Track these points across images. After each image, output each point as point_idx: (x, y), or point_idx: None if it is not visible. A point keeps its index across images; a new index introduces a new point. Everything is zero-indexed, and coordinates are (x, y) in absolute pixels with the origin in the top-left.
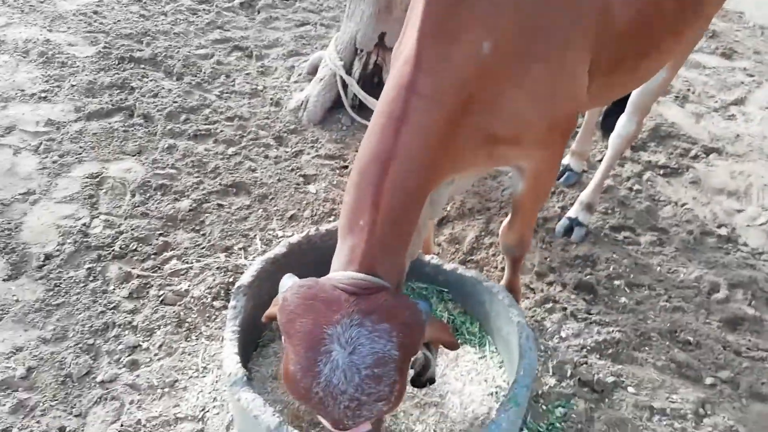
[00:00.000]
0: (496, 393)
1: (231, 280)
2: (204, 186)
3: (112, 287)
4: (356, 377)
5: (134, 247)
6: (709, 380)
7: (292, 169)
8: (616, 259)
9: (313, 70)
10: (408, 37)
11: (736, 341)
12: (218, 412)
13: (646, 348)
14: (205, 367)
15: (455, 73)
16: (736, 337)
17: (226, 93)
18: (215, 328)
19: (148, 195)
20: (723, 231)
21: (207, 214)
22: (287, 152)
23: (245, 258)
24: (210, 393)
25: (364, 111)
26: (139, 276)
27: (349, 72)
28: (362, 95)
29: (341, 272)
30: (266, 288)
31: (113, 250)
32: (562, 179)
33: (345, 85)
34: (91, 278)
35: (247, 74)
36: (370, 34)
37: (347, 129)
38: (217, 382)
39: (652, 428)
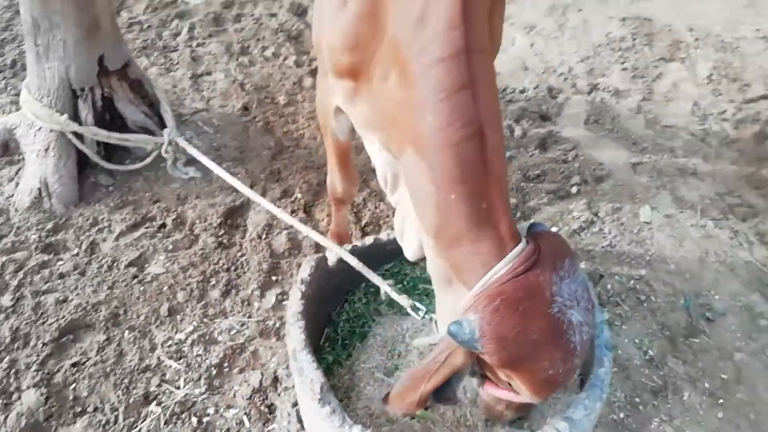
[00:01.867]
0: None
1: None
2: None
3: None
4: (588, 315)
5: None
6: None
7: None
8: None
9: (3, 150)
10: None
11: None
12: None
13: None
14: None
15: (483, 23)
16: None
17: None
18: None
19: None
20: None
21: None
22: (77, 262)
23: None
24: None
25: (117, 156)
26: None
27: (79, 121)
28: (116, 138)
29: (501, 265)
30: None
31: None
32: None
33: (81, 140)
34: None
35: None
36: (88, 64)
37: (116, 187)
38: None
39: None
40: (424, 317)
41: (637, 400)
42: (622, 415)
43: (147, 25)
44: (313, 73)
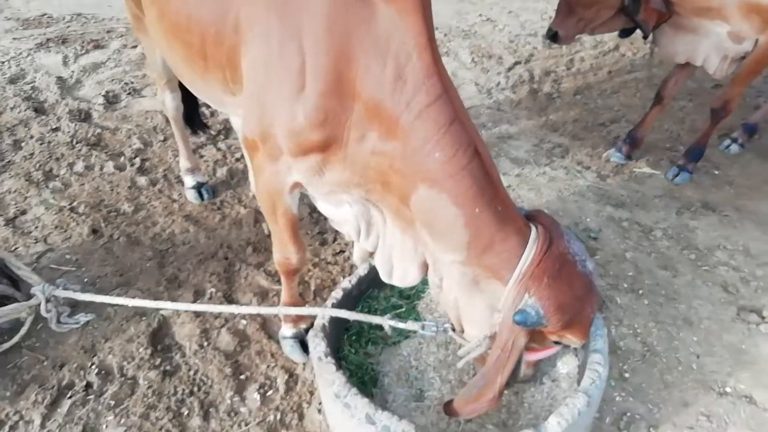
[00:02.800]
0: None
1: None
2: None
3: None
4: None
5: None
6: None
7: None
8: None
9: None
10: (414, 61)
11: None
12: None
13: None
14: None
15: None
16: None
17: None
18: None
19: None
20: None
21: None
22: None
23: None
24: None
25: None
26: None
27: None
28: None
29: (528, 251)
30: None
31: None
32: None
33: None
34: None
35: None
36: None
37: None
38: None
39: None
40: (438, 331)
41: None
42: None
43: None
44: (142, 170)
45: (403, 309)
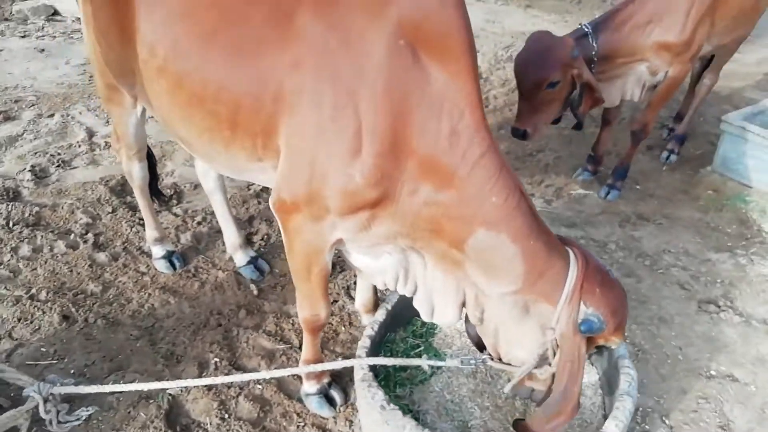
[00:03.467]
0: None
1: None
2: None
3: None
4: None
5: None
6: None
7: None
8: None
9: None
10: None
11: None
12: None
13: None
14: None
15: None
16: None
17: None
18: None
19: None
20: None
21: None
22: None
23: None
24: None
25: None
26: None
27: None
28: None
29: (572, 270)
30: None
31: None
32: None
33: None
34: None
35: None
36: None
37: None
38: None
39: None
40: (476, 364)
41: None
42: None
43: None
44: (98, 246)
45: (422, 348)
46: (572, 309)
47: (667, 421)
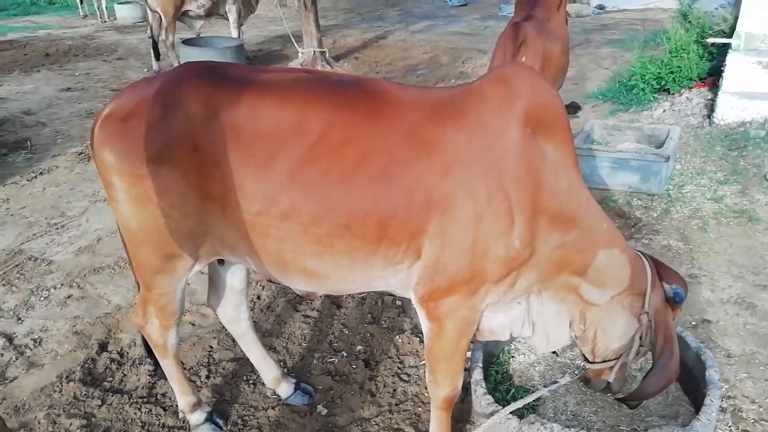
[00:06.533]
0: None
1: None
2: None
3: None
4: None
5: None
6: None
7: None
8: None
9: None
10: None
11: None
12: None
13: None
14: None
15: None
16: None
17: None
18: None
19: None
20: None
21: None
22: None
23: None
24: None
25: None
26: None
27: None
28: None
29: (647, 263)
30: None
31: None
32: None
33: None
34: None
35: None
36: None
37: None
38: None
39: None
40: (581, 370)
41: None
42: None
43: None
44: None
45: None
46: (657, 291)
47: None
